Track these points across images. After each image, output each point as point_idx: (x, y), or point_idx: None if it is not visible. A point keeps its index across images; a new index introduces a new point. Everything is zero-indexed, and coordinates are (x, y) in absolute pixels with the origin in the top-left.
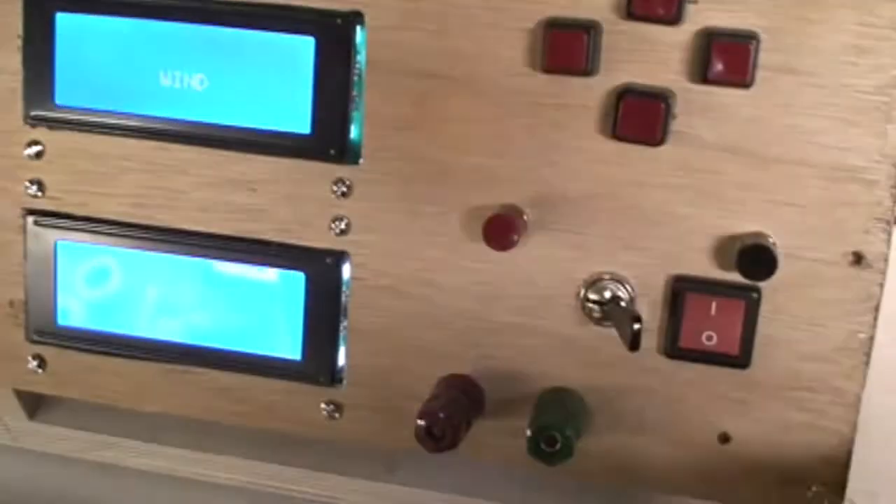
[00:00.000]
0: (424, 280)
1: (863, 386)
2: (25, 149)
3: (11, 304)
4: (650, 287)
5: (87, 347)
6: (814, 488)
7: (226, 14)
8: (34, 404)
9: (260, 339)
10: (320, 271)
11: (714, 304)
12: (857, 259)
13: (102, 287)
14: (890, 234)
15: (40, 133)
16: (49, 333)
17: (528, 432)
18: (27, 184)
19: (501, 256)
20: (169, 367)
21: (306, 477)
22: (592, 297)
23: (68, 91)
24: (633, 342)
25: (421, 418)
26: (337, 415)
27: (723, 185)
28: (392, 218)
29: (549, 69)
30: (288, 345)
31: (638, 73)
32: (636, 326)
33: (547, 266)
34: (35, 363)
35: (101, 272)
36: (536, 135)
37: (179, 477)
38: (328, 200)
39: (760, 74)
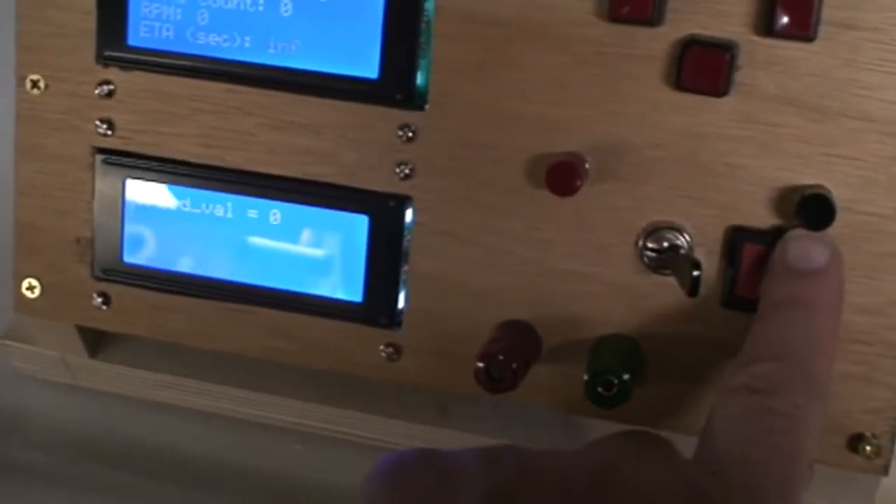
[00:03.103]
0: (485, 225)
1: None
2: (96, 88)
3: (78, 241)
4: (708, 237)
5: (152, 285)
6: (870, 445)
7: None
8: (95, 343)
9: (322, 281)
10: (383, 215)
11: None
12: None
13: (169, 226)
14: None
15: (112, 73)
16: (115, 271)
17: (586, 376)
18: (98, 123)
19: (561, 204)
20: (231, 306)
21: (359, 419)
22: (651, 245)
23: (141, 32)
24: (693, 288)
25: (481, 360)
26: (395, 357)
27: (783, 138)
28: (456, 164)
29: (615, 18)
30: (349, 287)
31: (703, 24)
32: (696, 273)
33: (606, 214)
34: (100, 300)
35: (168, 211)
36: (601, 84)
37: (233, 417)
38: (393, 145)
39: (823, 29)
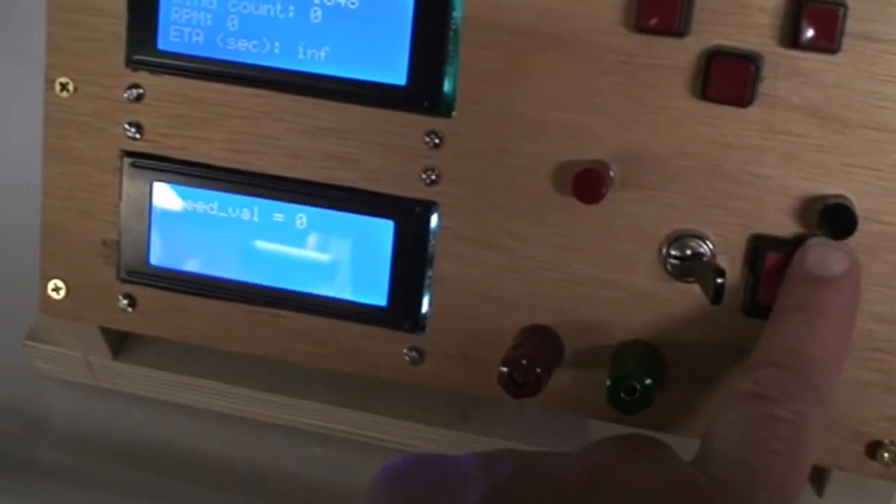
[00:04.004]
0: (510, 232)
1: None
2: (125, 92)
3: (105, 243)
4: (731, 245)
5: (178, 288)
6: (888, 452)
7: None
8: (118, 344)
9: (346, 285)
10: (409, 220)
11: None
12: None
13: (195, 229)
14: None
15: (141, 77)
16: (141, 273)
17: (608, 381)
18: (126, 126)
19: (586, 211)
20: (256, 309)
21: (380, 423)
22: (674, 252)
23: (171, 36)
24: (717, 295)
25: (504, 365)
26: (419, 361)
27: (805, 148)
28: (482, 170)
29: (642, 29)
30: (374, 291)
31: (729, 35)
32: (720, 280)
33: (630, 222)
34: (125, 302)
35: (194, 215)
36: (627, 93)
37: (255, 419)
38: (420, 151)
39: (846, 42)
